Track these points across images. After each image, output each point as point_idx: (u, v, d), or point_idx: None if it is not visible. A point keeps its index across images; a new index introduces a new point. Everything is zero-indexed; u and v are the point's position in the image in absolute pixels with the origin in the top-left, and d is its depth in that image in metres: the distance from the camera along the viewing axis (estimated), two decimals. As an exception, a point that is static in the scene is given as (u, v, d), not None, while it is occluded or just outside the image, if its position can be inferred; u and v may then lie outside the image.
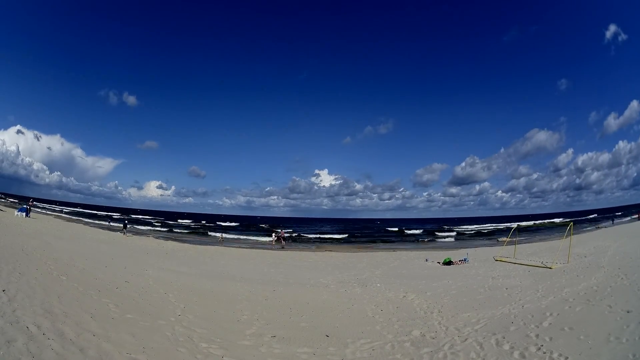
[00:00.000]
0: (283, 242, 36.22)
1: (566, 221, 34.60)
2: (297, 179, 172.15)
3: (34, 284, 8.04)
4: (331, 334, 7.34)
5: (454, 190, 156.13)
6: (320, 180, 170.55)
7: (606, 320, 6.67)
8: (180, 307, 8.50)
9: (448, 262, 18.57)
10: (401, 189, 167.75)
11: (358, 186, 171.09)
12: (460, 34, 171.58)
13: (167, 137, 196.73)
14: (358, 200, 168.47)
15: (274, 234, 40.03)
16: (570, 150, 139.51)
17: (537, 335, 6.40)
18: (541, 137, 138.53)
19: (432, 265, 19.00)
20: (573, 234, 19.69)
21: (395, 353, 6.26)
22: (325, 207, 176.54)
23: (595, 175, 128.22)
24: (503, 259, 18.29)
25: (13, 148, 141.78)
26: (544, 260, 16.23)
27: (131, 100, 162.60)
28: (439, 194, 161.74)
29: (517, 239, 23.56)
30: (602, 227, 40.67)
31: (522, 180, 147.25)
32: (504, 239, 28.26)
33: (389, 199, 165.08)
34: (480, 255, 21.59)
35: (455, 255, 21.26)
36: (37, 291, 7.48)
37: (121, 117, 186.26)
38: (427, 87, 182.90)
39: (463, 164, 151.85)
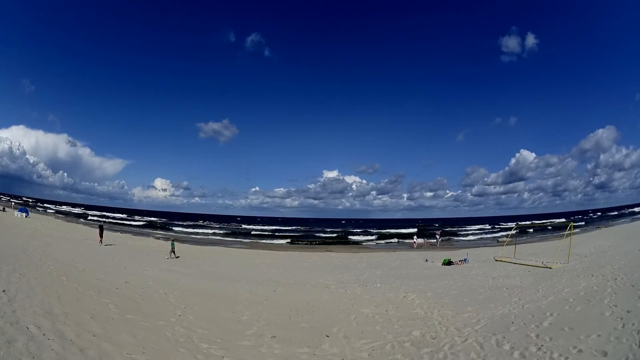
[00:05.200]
0: None
1: (566, 221, 34.59)
2: (341, 177, 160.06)
3: (34, 285, 8.05)
4: (331, 335, 7.34)
5: (489, 188, 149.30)
6: (370, 170, 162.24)
7: (606, 320, 6.66)
8: (180, 308, 8.51)
9: (448, 262, 18.56)
10: (435, 188, 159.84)
11: (398, 186, 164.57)
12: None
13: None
14: (377, 201, 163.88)
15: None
16: (619, 148, 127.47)
17: (537, 336, 6.39)
18: (611, 135, 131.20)
19: (432, 265, 19.00)
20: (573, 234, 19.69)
21: (396, 353, 6.25)
22: (340, 208, 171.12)
23: (619, 174, 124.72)
24: (503, 259, 18.28)
25: (18, 147, 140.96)
26: (544, 260, 16.22)
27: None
28: (468, 193, 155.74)
29: (517, 239, 23.56)
30: (602, 227, 40.71)
31: (554, 178, 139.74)
32: (505, 239, 28.25)
33: (415, 198, 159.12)
34: (480, 255, 21.57)
35: (455, 255, 21.25)
36: (37, 291, 7.50)
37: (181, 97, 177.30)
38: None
39: (530, 161, 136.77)
